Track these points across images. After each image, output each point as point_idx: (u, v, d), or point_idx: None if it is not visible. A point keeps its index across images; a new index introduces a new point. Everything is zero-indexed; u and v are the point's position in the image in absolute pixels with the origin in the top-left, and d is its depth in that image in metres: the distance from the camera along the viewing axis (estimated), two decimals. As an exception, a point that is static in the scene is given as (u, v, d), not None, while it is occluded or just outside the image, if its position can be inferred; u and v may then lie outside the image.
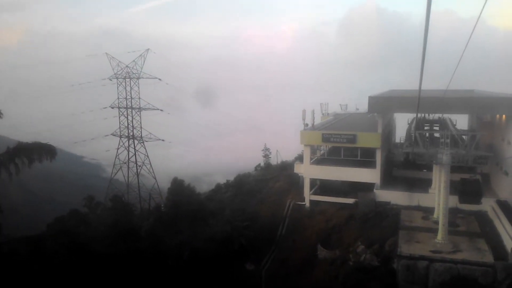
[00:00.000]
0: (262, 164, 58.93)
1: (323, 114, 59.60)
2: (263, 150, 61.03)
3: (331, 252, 36.00)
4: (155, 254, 34.19)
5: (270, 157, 60.45)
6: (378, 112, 38.49)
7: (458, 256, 26.51)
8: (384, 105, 37.75)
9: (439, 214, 28.75)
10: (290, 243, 39.97)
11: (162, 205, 44.29)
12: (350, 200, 40.76)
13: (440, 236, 28.29)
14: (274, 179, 51.08)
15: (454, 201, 32.89)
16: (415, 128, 30.89)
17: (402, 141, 47.80)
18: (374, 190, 39.06)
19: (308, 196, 43.06)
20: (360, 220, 37.51)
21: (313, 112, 45.22)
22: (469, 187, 28.32)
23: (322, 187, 46.39)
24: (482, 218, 33.81)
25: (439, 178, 32.09)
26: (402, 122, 56.84)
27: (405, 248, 28.03)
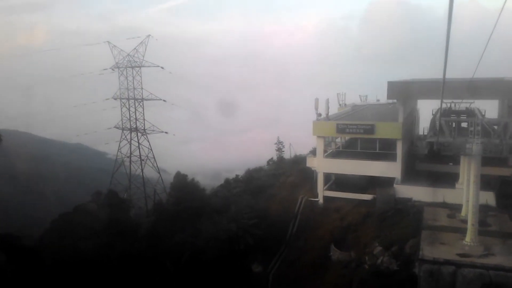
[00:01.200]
0: (274, 158, 55.84)
1: (340, 105, 56.06)
2: (276, 143, 57.92)
3: (345, 253, 32.75)
4: (153, 255, 31.71)
5: (283, 151, 57.34)
6: (398, 98, 34.78)
7: (491, 261, 22.84)
8: (404, 90, 34.04)
9: (468, 212, 25.10)
10: (301, 243, 36.87)
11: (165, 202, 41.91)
12: (368, 197, 37.34)
13: (469, 237, 24.65)
14: (286, 173, 47.95)
15: (484, 197, 29.17)
16: (440, 115, 27.11)
17: (425, 133, 43.77)
18: (394, 185, 35.47)
19: (321, 192, 39.81)
20: (378, 218, 34.06)
21: (327, 101, 41.82)
22: (510, 189, 24.58)
23: (338, 182, 43.07)
24: (518, 217, 29.80)
25: (468, 172, 28.36)
26: (426, 114, 52.65)
27: (428, 251, 24.52)
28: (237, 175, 50.07)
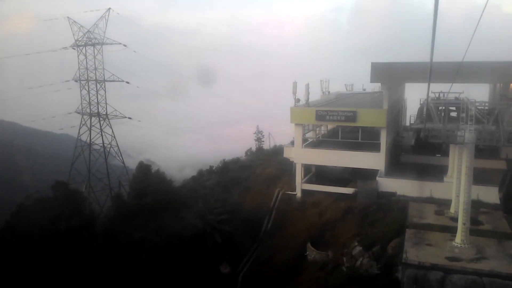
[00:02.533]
0: (253, 148, 52.42)
1: (323, 92, 52.64)
2: (255, 133, 54.49)
3: (322, 253, 29.58)
4: (108, 255, 28.08)
5: (263, 141, 53.95)
6: (382, 81, 31.48)
7: (484, 266, 19.78)
8: (389, 72, 30.71)
9: (459, 209, 21.97)
10: (276, 240, 33.67)
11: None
12: (349, 190, 34.20)
13: (459, 238, 21.57)
14: (264, 165, 44.63)
15: (475, 191, 26.09)
16: (428, 97, 23.82)
17: (412, 121, 40.70)
18: (377, 178, 32.33)
19: (299, 184, 36.55)
20: (358, 214, 30.97)
21: (307, 86, 38.39)
22: None
23: (318, 174, 39.92)
24: (512, 214, 26.88)
25: (458, 164, 25.27)
26: (413, 105, 49.56)
27: (413, 253, 21.38)
28: (211, 166, 46.59)
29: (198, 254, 30.64)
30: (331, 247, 29.70)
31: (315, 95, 37.68)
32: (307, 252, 30.60)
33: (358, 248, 26.32)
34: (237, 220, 35.14)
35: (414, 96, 50.70)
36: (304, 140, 40.38)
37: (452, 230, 23.31)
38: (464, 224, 21.24)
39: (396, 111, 44.96)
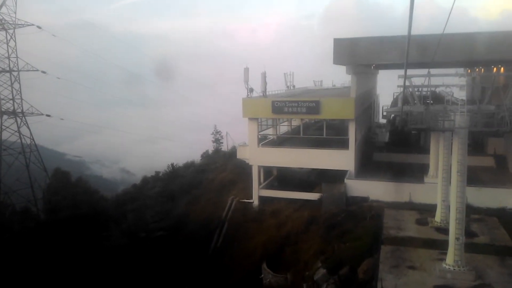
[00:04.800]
0: (210, 151, 46.22)
1: (287, 87, 46.96)
2: (212, 133, 48.32)
3: (279, 276, 23.79)
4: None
5: (221, 142, 47.82)
6: (349, 62, 25.94)
7: (488, 298, 14.33)
8: (357, 50, 25.21)
9: (450, 219, 16.48)
10: (227, 259, 27.56)
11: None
12: (314, 196, 28.54)
13: (451, 258, 16.05)
14: (219, 169, 38.50)
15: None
16: (404, 79, 18.38)
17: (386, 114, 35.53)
18: (345, 180, 26.77)
19: (256, 190, 30.66)
20: (324, 225, 25.25)
21: (263, 75, 32.61)
22: None
23: (281, 178, 34.22)
24: (510, 221, 21.76)
25: (445, 159, 19.96)
26: (387, 100, 44.55)
27: (391, 282, 15.77)
28: (157, 172, 40.07)
29: (125, 281, 24.15)
30: (291, 268, 23.97)
31: (264, 75, 31.77)
32: (262, 275, 24.73)
33: (322, 271, 20.55)
34: (182, 236, 28.95)
35: (388, 91, 46.31)
36: (264, 138, 34.75)
37: (441, 246, 17.95)
38: (457, 239, 15.73)
39: (367, 104, 39.89)
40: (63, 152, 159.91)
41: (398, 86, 21.87)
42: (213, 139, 47.87)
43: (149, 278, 24.43)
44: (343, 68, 27.95)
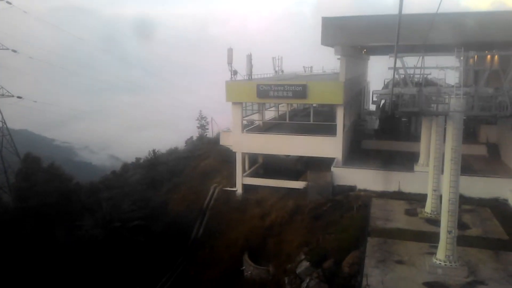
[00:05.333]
0: (194, 137, 44.56)
1: (275, 71, 45.33)
2: (197, 119, 46.60)
3: (261, 268, 22.60)
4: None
5: (207, 128, 46.17)
6: (337, 43, 24.38)
7: (482, 296, 13.21)
8: (345, 31, 23.68)
9: (441, 211, 15.25)
10: (207, 251, 26.27)
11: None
12: (300, 184, 27.31)
13: (442, 253, 14.86)
14: (203, 156, 37.01)
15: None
16: (395, 59, 16.95)
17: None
18: (332, 169, 25.49)
19: (240, 178, 29.26)
20: (308, 215, 24.05)
21: (248, 57, 31.04)
22: None
23: (266, 166, 32.90)
24: (503, 211, 20.72)
25: (437, 147, 18.75)
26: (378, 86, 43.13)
27: (377, 278, 14.57)
28: (137, 159, 38.44)
29: (97, 273, 22.74)
30: (274, 260, 22.76)
31: (249, 57, 30.21)
32: (244, 267, 23.54)
33: (305, 264, 19.36)
34: (160, 226, 27.53)
35: (379, 79, 44.95)
36: (250, 125, 33.33)
37: (431, 238, 16.83)
38: (449, 232, 14.53)
39: (357, 90, 38.52)
40: (52, 138, 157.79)
41: (389, 68, 20.47)
42: (198, 125, 46.23)
43: (121, 270, 23.02)
44: (333, 55, 26.56)
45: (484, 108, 14.26)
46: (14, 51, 48.00)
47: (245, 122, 33.50)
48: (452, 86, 14.49)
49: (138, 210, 27.37)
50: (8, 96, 46.29)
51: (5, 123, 47.18)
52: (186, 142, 43.71)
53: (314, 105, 47.09)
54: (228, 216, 27.87)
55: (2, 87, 45.78)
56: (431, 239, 16.97)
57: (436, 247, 15.74)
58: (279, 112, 39.63)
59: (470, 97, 14.19)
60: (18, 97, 47.64)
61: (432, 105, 14.89)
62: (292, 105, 45.18)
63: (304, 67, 58.08)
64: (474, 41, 22.87)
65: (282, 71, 45.98)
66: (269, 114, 39.44)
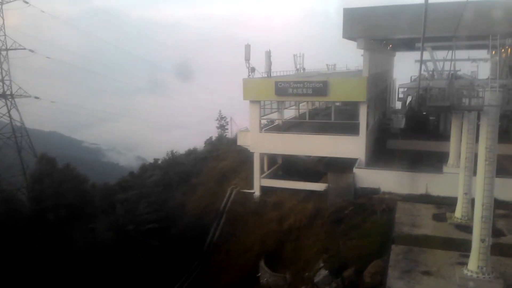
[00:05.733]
0: (214, 137, 43.83)
1: (297, 69, 44.09)
2: (217, 119, 45.90)
3: (278, 275, 21.54)
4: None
5: (227, 128, 45.39)
6: (360, 35, 22.92)
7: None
8: (369, 22, 22.26)
9: (474, 216, 13.73)
10: (223, 255, 25.36)
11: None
12: (320, 186, 25.97)
13: (475, 263, 13.34)
14: (221, 156, 36.18)
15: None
16: (422, 50, 15.50)
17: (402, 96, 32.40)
18: (354, 170, 24.07)
19: (258, 180, 28.23)
20: (329, 219, 22.74)
21: (267, 53, 29.98)
22: None
23: (286, 167, 31.74)
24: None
25: (468, 146, 17.13)
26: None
27: (402, 290, 13.18)
28: (156, 160, 38.01)
29: (110, 279, 22.19)
30: (291, 266, 21.69)
31: (268, 54, 29.20)
32: (260, 273, 22.48)
33: (324, 272, 18.14)
34: (175, 229, 26.87)
35: (406, 77, 42.94)
36: (269, 124, 32.30)
37: (462, 246, 15.28)
38: (483, 241, 13.01)
39: (382, 87, 36.82)
40: (81, 139, 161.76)
41: (415, 61, 18.94)
42: (218, 125, 45.51)
43: (134, 275, 22.40)
44: (357, 52, 25.18)
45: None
46: (32, 51, 48.57)
47: (265, 121, 32.65)
48: (486, 79, 12.98)
49: (154, 213, 26.82)
50: (25, 96, 46.86)
51: (23, 124, 47.83)
52: (205, 143, 43.07)
53: (337, 103, 46.24)
54: (245, 219, 26.93)
55: (20, 88, 46.49)
56: (462, 247, 15.43)
57: (467, 257, 14.22)
58: (300, 111, 38.44)
59: (507, 90, 12.63)
60: (36, 97, 48.24)
61: (464, 100, 13.42)
62: (314, 104, 43.97)
63: (327, 64, 56.54)
64: (509, 31, 21.02)
65: (304, 69, 44.72)
66: (290, 114, 38.36)
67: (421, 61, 14.40)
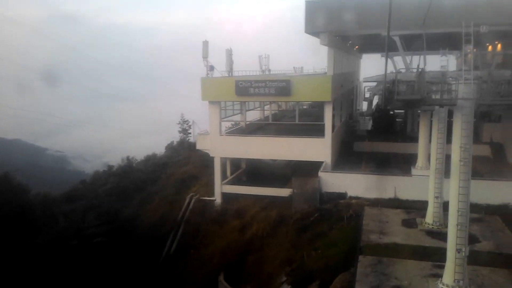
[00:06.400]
0: (175, 142, 41.49)
1: (262, 71, 42.50)
2: (179, 123, 43.60)
3: (238, 291, 19.53)
4: None
5: (189, 132, 43.16)
6: (323, 30, 21.54)
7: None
8: (332, 15, 20.88)
9: (449, 224, 12.37)
10: (180, 270, 23.16)
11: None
12: (284, 192, 24.28)
13: (450, 276, 11.94)
14: (182, 162, 34.01)
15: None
16: (387, 40, 14.16)
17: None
18: (320, 174, 22.59)
19: (219, 186, 26.26)
20: (293, 227, 21.11)
21: (228, 52, 28.25)
22: None
23: (251, 172, 29.99)
24: (515, 220, 17.88)
25: (439, 147, 15.96)
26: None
27: (371, 309, 11.59)
28: (110, 166, 35.36)
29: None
30: (253, 280, 19.82)
31: (229, 52, 27.59)
32: (219, 288, 20.50)
33: (286, 287, 16.41)
34: (128, 242, 24.46)
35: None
36: (233, 127, 30.47)
37: (434, 255, 14.00)
38: (459, 251, 11.64)
39: (349, 88, 35.77)
40: (45, 147, 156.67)
41: (381, 55, 17.68)
42: (180, 129, 43.22)
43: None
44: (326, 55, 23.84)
45: (503, 95, 11.43)
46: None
47: (229, 124, 30.84)
48: (459, 70, 11.72)
49: (103, 225, 24.34)
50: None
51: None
52: (166, 148, 40.67)
53: (305, 106, 45.11)
54: (204, 229, 24.85)
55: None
56: (435, 256, 14.14)
57: (440, 267, 12.91)
58: (267, 113, 36.90)
59: (482, 82, 11.38)
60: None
61: (434, 95, 12.09)
62: (281, 106, 42.60)
63: (294, 67, 55.47)
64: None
65: (270, 71, 43.22)
66: (255, 116, 36.68)
67: (387, 52, 12.98)
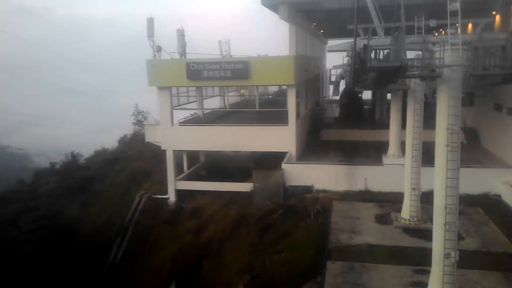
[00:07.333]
0: (129, 135, 38.02)
1: (222, 56, 39.53)
2: (133, 114, 40.09)
3: (191, 303, 16.91)
4: None
5: (145, 124, 39.64)
6: (281, 2, 18.97)
7: None
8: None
9: (434, 222, 10.19)
10: (127, 280, 20.20)
11: None
12: (246, 187, 21.75)
13: (436, 287, 9.71)
14: (134, 157, 30.77)
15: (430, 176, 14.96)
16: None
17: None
18: (283, 166, 20.18)
19: (173, 183, 23.41)
20: (255, 226, 18.68)
21: (180, 32, 25.18)
22: None
23: (210, 166, 27.34)
24: (499, 211, 16.14)
25: (416, 128, 13.82)
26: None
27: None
28: (52, 164, 31.69)
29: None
30: (208, 290, 17.20)
31: (181, 32, 24.65)
32: (170, 301, 17.81)
33: (245, 299, 13.94)
34: (67, 249, 21.30)
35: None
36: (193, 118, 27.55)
37: (414, 258, 11.85)
38: (446, 256, 9.46)
39: (314, 74, 33.54)
40: (5, 145, 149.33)
41: (348, 27, 15.30)
42: (134, 121, 39.71)
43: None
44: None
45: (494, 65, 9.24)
46: None
47: (189, 115, 27.97)
48: (445, 35, 9.45)
49: (39, 230, 21.03)
50: None
51: None
52: (118, 141, 37.15)
53: (270, 96, 42.67)
54: (155, 233, 21.96)
55: None
56: (415, 258, 12.07)
57: (423, 272, 10.84)
58: (232, 101, 34.28)
59: (472, 48, 9.15)
60: None
61: (418, 58, 9.78)
62: (245, 94, 39.99)
63: (258, 55, 52.84)
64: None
65: (230, 56, 40.38)
66: (216, 105, 33.88)
67: (356, 18, 10.55)
